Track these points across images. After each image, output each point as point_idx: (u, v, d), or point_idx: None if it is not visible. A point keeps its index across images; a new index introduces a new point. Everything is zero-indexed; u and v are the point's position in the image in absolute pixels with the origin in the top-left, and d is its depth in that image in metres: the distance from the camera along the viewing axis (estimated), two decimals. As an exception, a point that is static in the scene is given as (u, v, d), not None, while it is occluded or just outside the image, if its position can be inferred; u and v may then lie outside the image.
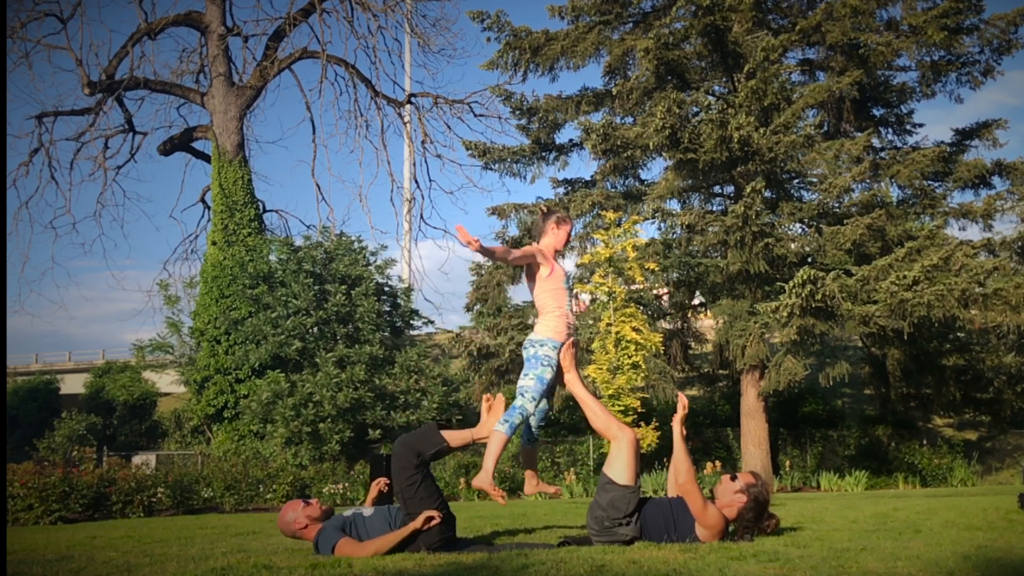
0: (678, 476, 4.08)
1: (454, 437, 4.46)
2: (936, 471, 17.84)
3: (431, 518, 4.11)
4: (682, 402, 4.32)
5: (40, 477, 10.63)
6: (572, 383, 4.49)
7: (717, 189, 17.74)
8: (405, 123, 27.34)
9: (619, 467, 4.13)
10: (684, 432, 4.23)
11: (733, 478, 4.19)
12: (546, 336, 4.54)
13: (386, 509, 4.36)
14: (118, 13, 47.69)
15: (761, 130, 14.43)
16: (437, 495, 4.27)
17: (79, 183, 40.06)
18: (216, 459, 18.34)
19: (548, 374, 4.51)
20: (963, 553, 3.60)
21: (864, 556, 3.52)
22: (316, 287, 20.66)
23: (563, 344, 4.51)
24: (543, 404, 4.65)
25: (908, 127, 18.77)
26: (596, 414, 4.35)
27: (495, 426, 4.47)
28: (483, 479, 4.34)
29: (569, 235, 4.73)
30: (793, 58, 17.83)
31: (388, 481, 4.70)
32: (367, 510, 4.36)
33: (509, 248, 4.62)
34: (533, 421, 4.71)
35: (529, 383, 4.50)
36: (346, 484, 14.48)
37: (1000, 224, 18.44)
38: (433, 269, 62.37)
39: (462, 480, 15.76)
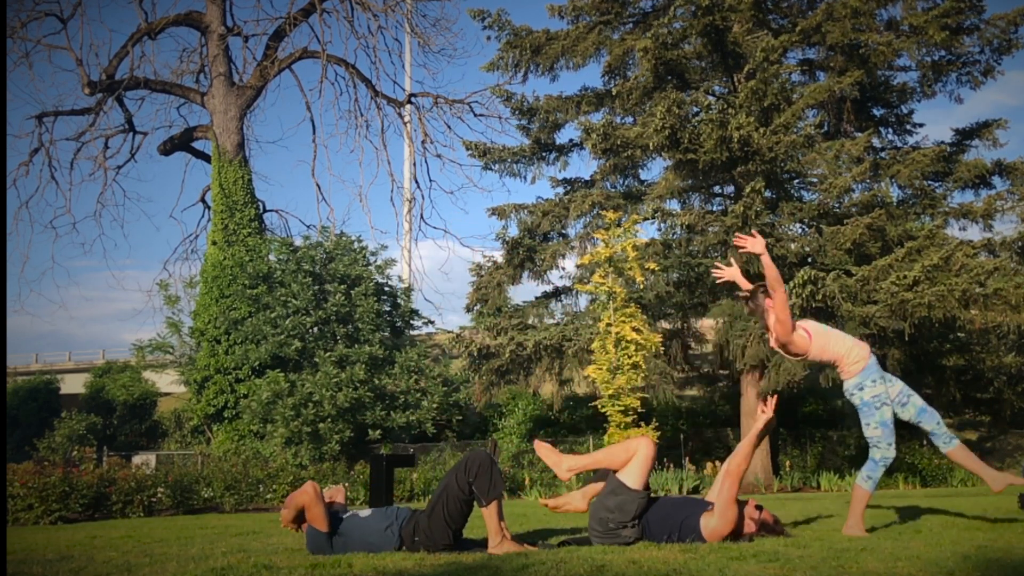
0: (733, 457, 4.20)
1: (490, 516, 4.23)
2: (936, 471, 17.79)
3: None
4: (771, 405, 4.36)
5: (40, 477, 10.60)
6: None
7: (717, 189, 17.72)
8: (405, 123, 27.30)
9: (634, 471, 4.18)
10: (762, 430, 4.33)
11: (759, 508, 4.31)
12: (856, 376, 4.54)
13: (384, 510, 4.34)
14: (118, 13, 47.61)
15: (761, 130, 14.42)
16: (461, 523, 4.20)
17: (79, 183, 40.02)
18: (216, 459, 18.31)
19: (887, 413, 4.54)
20: (963, 553, 3.59)
21: (864, 556, 3.51)
22: (315, 287, 20.64)
23: (877, 373, 4.55)
24: (922, 414, 4.69)
25: (908, 127, 18.77)
26: (613, 456, 4.29)
27: (859, 482, 4.64)
28: (853, 527, 4.58)
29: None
30: (793, 58, 17.82)
31: (344, 494, 4.61)
32: (363, 512, 4.35)
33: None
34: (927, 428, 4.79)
35: (876, 433, 4.56)
36: (346, 484, 14.44)
37: (1000, 224, 18.34)
38: (433, 269, 62.38)
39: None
